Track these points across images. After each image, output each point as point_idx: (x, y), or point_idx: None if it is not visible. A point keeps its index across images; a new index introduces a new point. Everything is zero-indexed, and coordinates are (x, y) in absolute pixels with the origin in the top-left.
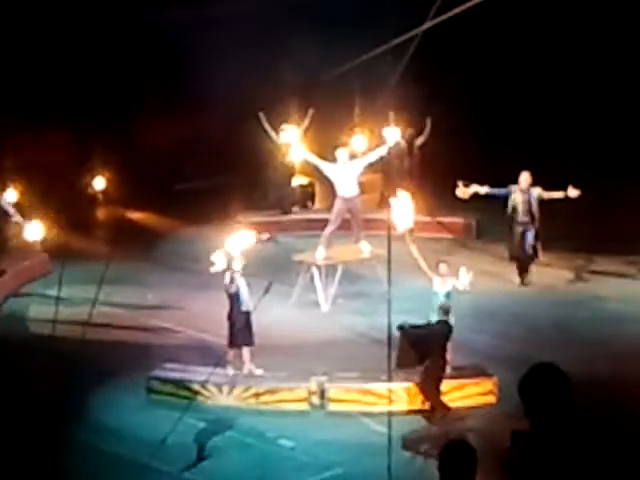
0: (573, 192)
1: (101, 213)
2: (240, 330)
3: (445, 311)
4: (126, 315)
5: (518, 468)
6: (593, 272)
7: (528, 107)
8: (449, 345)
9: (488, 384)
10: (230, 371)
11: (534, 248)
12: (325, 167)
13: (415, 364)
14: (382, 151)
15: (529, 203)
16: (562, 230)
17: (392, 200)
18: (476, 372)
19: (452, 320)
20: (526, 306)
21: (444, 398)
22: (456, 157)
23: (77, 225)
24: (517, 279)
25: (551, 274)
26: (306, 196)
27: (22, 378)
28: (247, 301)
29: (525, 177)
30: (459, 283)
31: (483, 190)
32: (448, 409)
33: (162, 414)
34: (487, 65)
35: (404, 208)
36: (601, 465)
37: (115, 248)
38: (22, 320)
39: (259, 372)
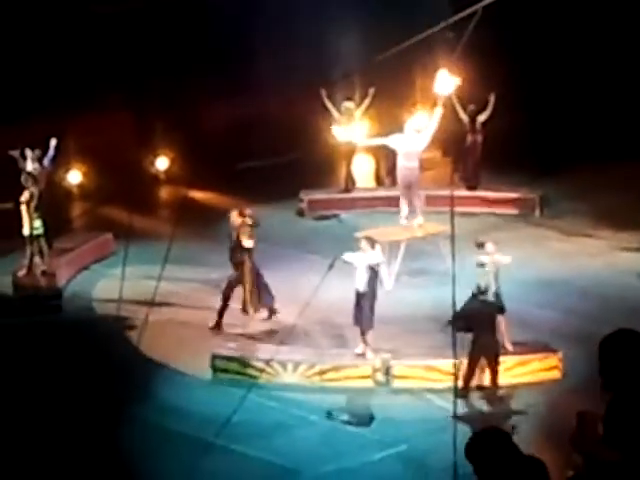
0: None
1: (164, 193)
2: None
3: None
4: (190, 294)
5: (585, 446)
6: None
7: (589, 82)
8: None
9: (553, 360)
10: (359, 350)
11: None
12: (391, 141)
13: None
14: (438, 112)
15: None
16: (620, 204)
17: None
18: (541, 348)
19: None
20: (592, 281)
21: (499, 376)
22: (519, 133)
23: (140, 205)
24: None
25: (614, 249)
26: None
27: (87, 356)
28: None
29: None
30: (503, 258)
31: None
32: (467, 392)
33: (227, 392)
34: (548, 40)
35: None
36: None
37: (178, 227)
38: (87, 299)
39: (371, 356)
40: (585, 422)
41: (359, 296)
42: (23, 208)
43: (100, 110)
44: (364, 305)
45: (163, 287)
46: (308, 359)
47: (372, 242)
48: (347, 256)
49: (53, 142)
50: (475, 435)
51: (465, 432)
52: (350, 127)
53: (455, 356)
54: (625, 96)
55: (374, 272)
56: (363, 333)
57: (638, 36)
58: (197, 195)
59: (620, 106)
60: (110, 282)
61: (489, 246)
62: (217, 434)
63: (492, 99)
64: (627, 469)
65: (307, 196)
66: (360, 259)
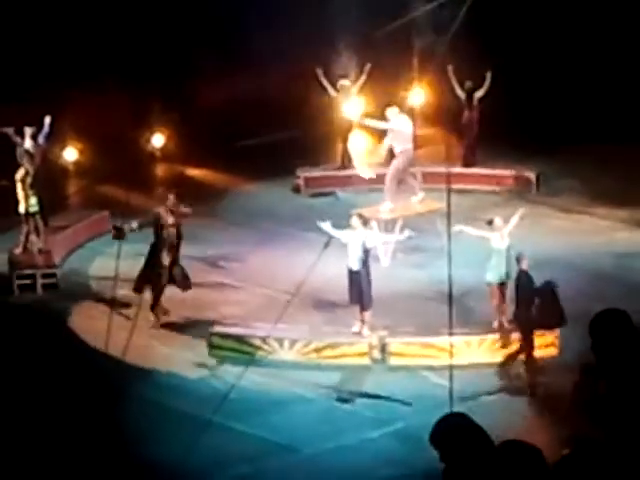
0: None
1: (160, 170)
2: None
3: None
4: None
5: (586, 402)
6: None
7: (588, 60)
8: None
9: (549, 336)
10: (356, 329)
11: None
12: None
13: None
14: (382, 125)
15: None
16: (616, 182)
17: None
18: None
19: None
20: (588, 258)
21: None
22: (515, 109)
23: (136, 182)
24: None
25: (610, 227)
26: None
27: (83, 333)
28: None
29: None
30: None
31: None
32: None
33: (224, 369)
34: (545, 16)
35: None
36: None
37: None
38: (83, 277)
39: (367, 333)
40: (589, 374)
41: (353, 274)
42: (19, 185)
43: (96, 87)
44: (361, 283)
45: None
46: (305, 336)
47: (364, 220)
48: (323, 225)
49: (47, 119)
50: (440, 420)
51: (462, 409)
52: (348, 104)
53: (452, 333)
54: (622, 76)
55: (366, 250)
56: (363, 310)
57: (632, 15)
58: (193, 172)
59: (617, 85)
60: (106, 260)
61: (497, 221)
62: (215, 411)
63: (488, 76)
64: (613, 447)
65: (303, 173)
66: (351, 237)
